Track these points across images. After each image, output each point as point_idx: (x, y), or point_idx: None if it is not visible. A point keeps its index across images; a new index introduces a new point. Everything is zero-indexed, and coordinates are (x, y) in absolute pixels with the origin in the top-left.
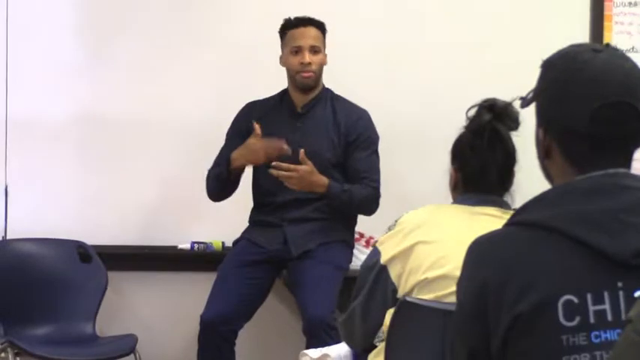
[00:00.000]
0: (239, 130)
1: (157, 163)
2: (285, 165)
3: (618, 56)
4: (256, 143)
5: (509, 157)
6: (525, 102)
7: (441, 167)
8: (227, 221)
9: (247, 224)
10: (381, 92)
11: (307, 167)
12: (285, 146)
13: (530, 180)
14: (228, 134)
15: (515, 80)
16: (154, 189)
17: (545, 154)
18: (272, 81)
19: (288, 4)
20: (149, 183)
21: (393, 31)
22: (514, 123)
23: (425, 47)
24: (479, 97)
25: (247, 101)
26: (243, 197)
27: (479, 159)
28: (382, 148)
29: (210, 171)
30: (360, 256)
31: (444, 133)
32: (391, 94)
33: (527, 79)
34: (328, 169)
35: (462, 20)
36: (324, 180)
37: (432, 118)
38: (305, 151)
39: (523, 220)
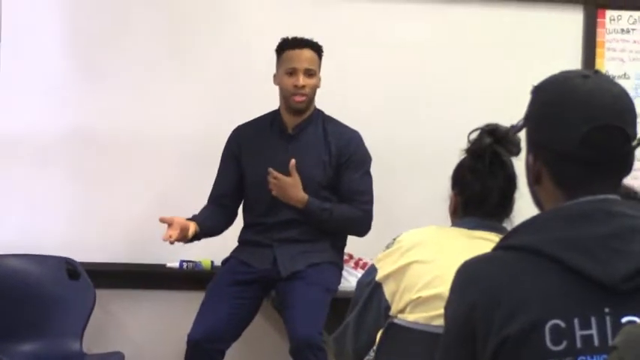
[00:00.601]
0: (232, 155)
1: (146, 180)
2: (274, 173)
3: (607, 81)
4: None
5: (510, 182)
6: (516, 128)
7: (434, 189)
8: (216, 240)
9: (237, 244)
10: (377, 113)
11: (289, 180)
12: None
13: (530, 207)
14: (221, 160)
15: (508, 106)
16: (143, 206)
17: (535, 180)
18: (263, 99)
19: (283, 24)
20: (138, 200)
21: (391, 56)
22: (515, 148)
23: (422, 74)
24: (474, 122)
25: (238, 117)
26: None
27: (479, 183)
28: (377, 169)
29: (209, 199)
30: (349, 277)
31: (438, 155)
32: (388, 115)
33: (521, 105)
34: (318, 191)
35: (457, 47)
36: (303, 196)
37: (428, 139)
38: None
39: (512, 243)
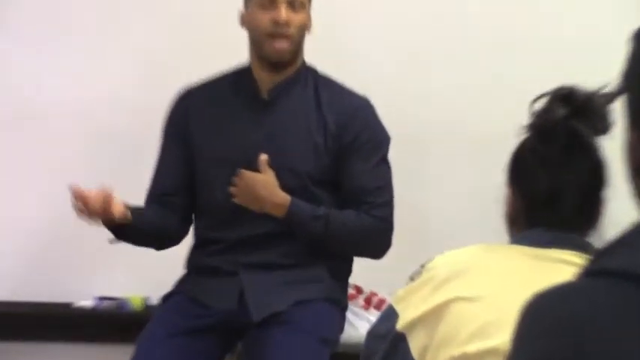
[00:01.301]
0: (176, 132)
1: (45, 178)
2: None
3: None
4: None
5: (595, 174)
6: (610, 96)
7: (481, 186)
8: (151, 266)
9: (183, 271)
10: (393, 75)
11: (260, 177)
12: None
13: (629, 210)
14: (163, 138)
15: (591, 61)
16: (38, 218)
17: (638, 168)
18: (224, 51)
19: None
20: (31, 206)
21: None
22: (602, 122)
23: (461, 19)
24: (537, 85)
25: (182, 86)
26: None
27: (550, 177)
28: (396, 157)
29: (146, 199)
30: (356, 322)
31: (486, 136)
32: (409, 79)
33: (611, 61)
34: (308, 188)
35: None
36: (282, 198)
37: (470, 113)
38: (271, 159)
39: (606, 268)
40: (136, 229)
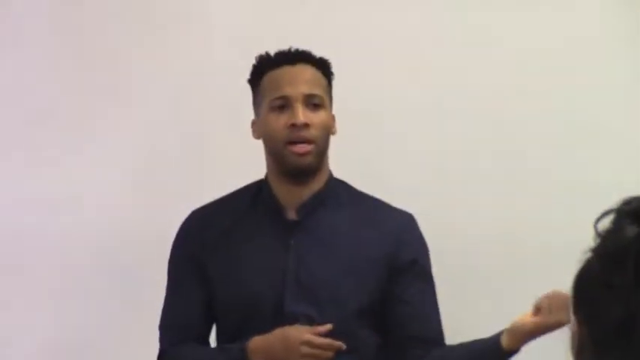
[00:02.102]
0: (190, 258)
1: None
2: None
3: None
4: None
5: None
6: None
7: None
8: None
9: None
10: (423, 183)
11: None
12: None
13: None
14: (174, 269)
15: None
16: None
17: None
18: (231, 171)
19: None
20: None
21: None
22: None
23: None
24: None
25: (191, 205)
26: None
27: (621, 305)
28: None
29: (174, 352)
30: None
31: (541, 254)
32: (440, 187)
33: None
34: (352, 325)
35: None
36: None
37: (520, 225)
38: (302, 282)
39: None
40: None
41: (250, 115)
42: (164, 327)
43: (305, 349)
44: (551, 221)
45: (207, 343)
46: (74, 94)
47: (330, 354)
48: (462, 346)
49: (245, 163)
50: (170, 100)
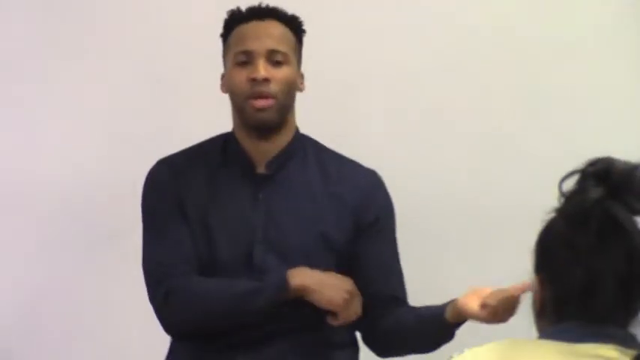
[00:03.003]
0: (172, 199)
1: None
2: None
3: None
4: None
5: (634, 261)
6: None
7: (504, 273)
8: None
9: None
10: (393, 143)
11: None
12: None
13: None
14: (154, 212)
15: None
16: None
17: None
18: (202, 124)
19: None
20: None
21: (426, 42)
22: None
23: (479, 73)
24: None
25: (155, 153)
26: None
27: (583, 266)
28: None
29: (188, 280)
30: None
31: (511, 215)
32: (414, 147)
33: None
34: (315, 261)
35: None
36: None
37: (490, 188)
38: (274, 242)
39: None
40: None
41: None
42: (161, 261)
43: (347, 296)
44: (519, 186)
45: None
46: (46, 46)
47: (358, 313)
48: (416, 310)
49: (217, 116)
50: (142, 52)
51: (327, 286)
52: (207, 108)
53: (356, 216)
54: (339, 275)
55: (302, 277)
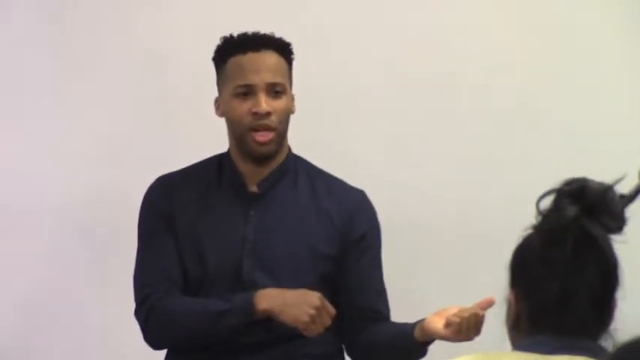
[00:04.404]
0: (162, 217)
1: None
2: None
3: None
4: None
5: (607, 276)
6: (629, 197)
7: (478, 288)
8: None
9: None
10: (374, 159)
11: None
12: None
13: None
14: (146, 227)
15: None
16: None
17: None
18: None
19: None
20: None
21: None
22: (616, 221)
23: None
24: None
25: (156, 173)
26: None
27: (558, 281)
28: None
29: (166, 300)
30: None
31: (490, 230)
32: (391, 165)
33: None
34: (303, 277)
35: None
36: None
37: (470, 203)
38: (263, 256)
39: None
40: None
41: (212, 85)
42: (144, 281)
43: (312, 312)
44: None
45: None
46: (51, 57)
47: (326, 325)
48: (390, 327)
49: (209, 138)
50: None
51: (291, 306)
52: (208, 127)
53: (343, 233)
54: (306, 291)
55: (267, 300)
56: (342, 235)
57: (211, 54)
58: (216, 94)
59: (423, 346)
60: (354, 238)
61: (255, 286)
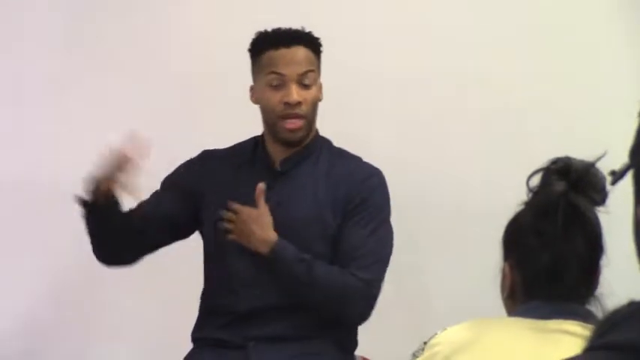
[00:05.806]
0: (185, 185)
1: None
2: (233, 207)
3: None
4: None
5: (593, 245)
6: (619, 174)
7: (481, 261)
8: (150, 339)
9: (190, 346)
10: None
11: (254, 212)
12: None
13: (623, 277)
14: (165, 180)
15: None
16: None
17: None
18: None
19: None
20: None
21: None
22: (599, 194)
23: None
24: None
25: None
26: (179, 298)
27: (549, 251)
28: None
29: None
30: None
31: (488, 208)
32: (406, 148)
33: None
34: (312, 244)
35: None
36: (270, 235)
37: (473, 185)
38: (278, 219)
39: (615, 342)
40: (110, 206)
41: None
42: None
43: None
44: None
45: (146, 239)
46: (68, 48)
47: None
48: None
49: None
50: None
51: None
52: (231, 117)
53: (346, 200)
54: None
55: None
56: (345, 204)
57: (234, 48)
58: (241, 86)
59: (269, 255)
60: (354, 203)
61: None
